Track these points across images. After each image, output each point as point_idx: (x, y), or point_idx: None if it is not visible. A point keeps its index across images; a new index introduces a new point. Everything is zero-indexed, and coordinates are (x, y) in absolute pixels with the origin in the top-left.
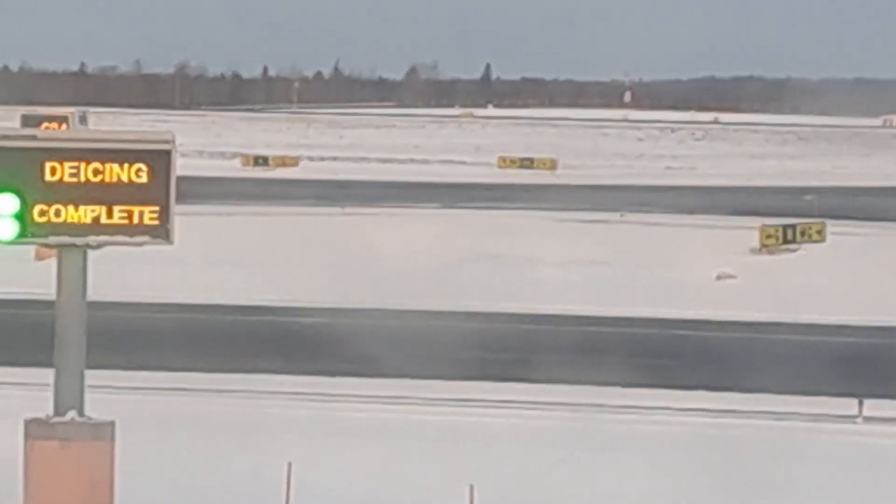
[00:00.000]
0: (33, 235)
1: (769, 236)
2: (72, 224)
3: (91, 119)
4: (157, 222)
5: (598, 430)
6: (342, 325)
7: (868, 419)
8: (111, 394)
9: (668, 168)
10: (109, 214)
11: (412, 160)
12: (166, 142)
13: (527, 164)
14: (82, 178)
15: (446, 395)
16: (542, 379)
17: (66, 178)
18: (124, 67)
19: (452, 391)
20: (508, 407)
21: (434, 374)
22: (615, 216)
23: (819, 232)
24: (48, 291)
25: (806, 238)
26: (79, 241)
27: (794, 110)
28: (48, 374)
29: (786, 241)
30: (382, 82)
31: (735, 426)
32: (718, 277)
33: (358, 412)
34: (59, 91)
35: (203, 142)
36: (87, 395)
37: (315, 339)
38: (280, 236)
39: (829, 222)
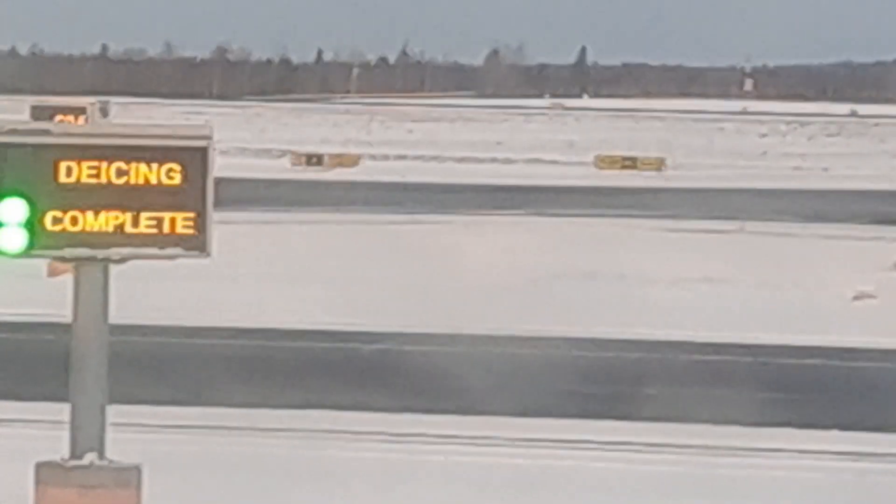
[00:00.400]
0: (45, 247)
1: None
2: (91, 234)
3: (113, 111)
4: (191, 232)
5: (714, 476)
6: (410, 353)
7: None
8: (137, 433)
9: (797, 169)
10: (135, 223)
11: (493, 159)
12: (203, 137)
13: (629, 163)
14: (103, 180)
15: (535, 436)
16: (648, 416)
17: (84, 180)
18: (153, 50)
19: (542, 431)
20: (609, 449)
21: (521, 411)
22: (734, 225)
23: None
24: (63, 313)
25: None
26: (99, 253)
27: None
28: (63, 410)
29: None
30: (458, 68)
31: (876, 472)
32: (856, 297)
33: (430, 455)
34: (75, 78)
35: (246, 137)
36: (109, 435)
37: (379, 369)
38: (336, 248)
39: None
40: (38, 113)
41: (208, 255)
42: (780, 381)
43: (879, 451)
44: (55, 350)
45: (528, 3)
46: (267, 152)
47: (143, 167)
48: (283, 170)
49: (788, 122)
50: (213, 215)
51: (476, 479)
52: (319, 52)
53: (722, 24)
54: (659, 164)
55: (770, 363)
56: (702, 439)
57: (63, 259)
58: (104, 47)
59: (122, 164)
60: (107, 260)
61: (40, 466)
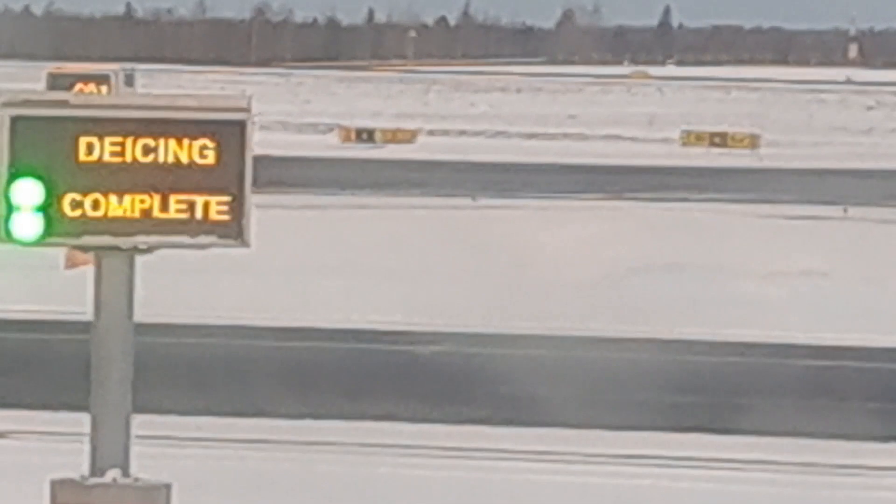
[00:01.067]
0: (63, 235)
1: None
2: (114, 220)
3: (139, 79)
4: (227, 217)
5: (814, 497)
6: (473, 356)
7: None
8: (167, 447)
9: None
10: (164, 207)
11: (566, 135)
12: (240, 110)
13: (718, 141)
14: (128, 159)
15: (612, 451)
16: (739, 429)
17: (107, 159)
18: (184, 10)
19: (620, 445)
20: (696, 466)
21: (595, 424)
22: (836, 211)
23: None
24: (82, 310)
25: None
26: (123, 242)
27: None
28: (82, 421)
29: None
30: (527, 31)
31: None
32: None
33: (495, 473)
34: (97, 42)
35: (289, 110)
36: (135, 449)
37: (438, 375)
38: (389, 237)
39: None
40: (56, 82)
41: (246, 244)
42: (891, 388)
43: None
44: (73, 352)
45: None
46: (312, 127)
47: (172, 144)
48: (329, 147)
49: None
50: (252, 199)
51: (544, 499)
52: (371, 13)
53: None
54: (752, 142)
55: (879, 369)
56: (798, 455)
57: (82, 248)
58: (129, 7)
59: (149, 141)
60: (132, 249)
61: (56, 484)
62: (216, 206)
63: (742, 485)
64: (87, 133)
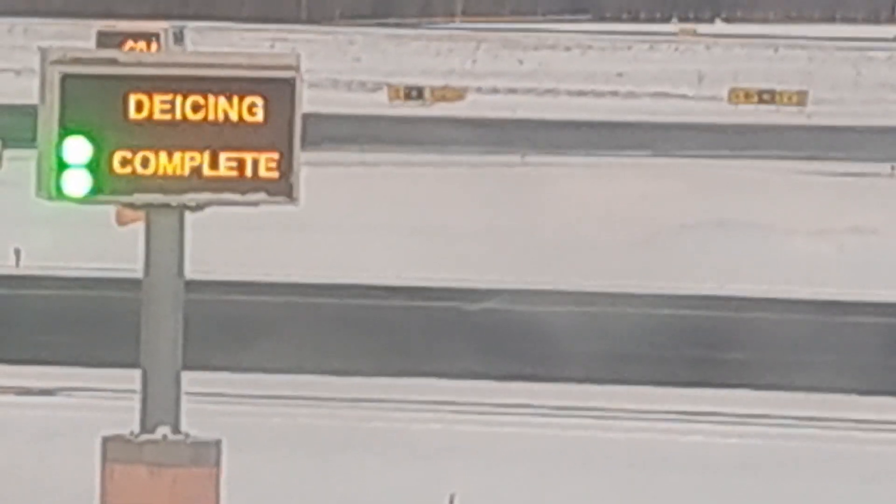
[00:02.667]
0: (113, 192)
1: None
2: (164, 177)
3: (189, 37)
4: (276, 175)
5: (862, 453)
6: (520, 313)
7: None
8: (216, 404)
9: None
10: (214, 164)
11: (614, 93)
12: (289, 68)
13: (767, 98)
14: (178, 116)
15: (657, 407)
16: (791, 386)
17: (157, 116)
18: None
19: (666, 401)
20: (755, 423)
21: (643, 380)
22: (885, 168)
23: None
24: (133, 267)
25: None
26: (173, 199)
27: None
28: (133, 378)
29: None
30: None
31: None
32: None
33: (536, 428)
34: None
35: (338, 68)
36: (185, 406)
37: (484, 331)
38: (439, 194)
39: None
40: (106, 40)
41: (295, 201)
42: None
43: None
44: (124, 309)
45: None
46: (361, 85)
47: (222, 101)
48: (378, 105)
49: None
50: (301, 156)
51: (583, 455)
52: None
53: None
54: (800, 99)
55: None
56: (839, 411)
57: (133, 206)
58: None
59: (198, 98)
60: (182, 206)
61: (107, 441)
62: (265, 164)
63: (794, 441)
64: (136, 91)
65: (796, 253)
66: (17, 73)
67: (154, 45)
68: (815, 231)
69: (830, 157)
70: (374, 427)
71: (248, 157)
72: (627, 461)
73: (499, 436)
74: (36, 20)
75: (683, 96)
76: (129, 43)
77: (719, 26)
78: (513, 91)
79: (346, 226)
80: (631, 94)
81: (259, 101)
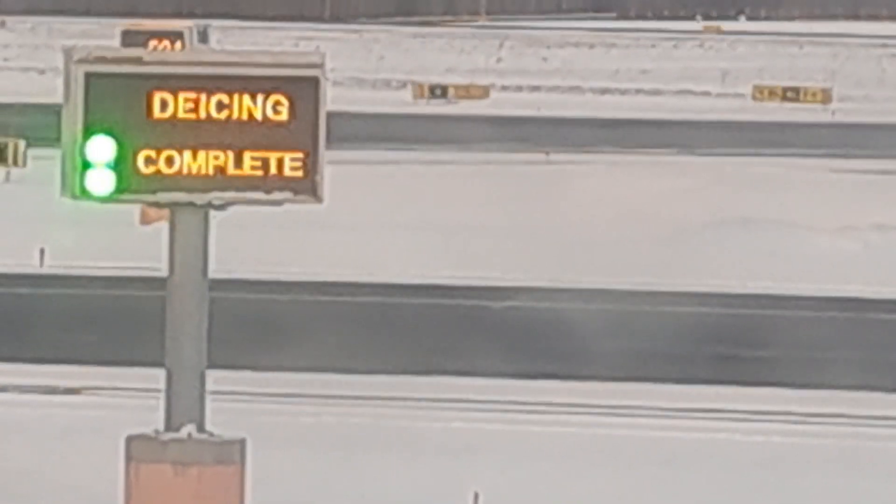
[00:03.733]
0: (137, 191)
1: None
2: (188, 176)
3: (214, 36)
4: (300, 174)
5: (882, 450)
6: (544, 311)
7: None
8: (240, 402)
9: None
10: (238, 163)
11: (639, 90)
12: (314, 66)
13: (791, 95)
14: (202, 115)
15: (684, 405)
16: (814, 384)
17: (181, 115)
18: None
19: (696, 399)
20: (772, 420)
21: (667, 377)
22: None
23: None
24: (157, 266)
25: None
26: (198, 198)
27: None
28: (157, 377)
29: None
30: None
31: None
32: None
33: (560, 427)
34: None
35: (362, 66)
36: (209, 405)
37: (508, 329)
38: (463, 192)
39: None
40: (130, 38)
41: (320, 200)
42: None
43: None
44: (148, 308)
45: None
46: (385, 83)
47: (246, 100)
48: (403, 103)
49: None
50: (326, 155)
51: (610, 453)
52: None
53: None
54: (824, 96)
55: None
56: (864, 408)
57: (157, 204)
58: None
59: (223, 97)
60: (206, 206)
61: (131, 440)
62: (290, 163)
63: (819, 438)
64: (160, 89)
65: (820, 250)
66: (41, 72)
67: (178, 44)
68: (839, 228)
69: (855, 154)
70: (397, 425)
71: (273, 156)
72: (652, 459)
73: (523, 434)
74: (60, 19)
75: (707, 94)
76: (154, 41)
77: (743, 24)
78: (537, 89)
79: (369, 224)
80: (655, 92)
81: (284, 99)
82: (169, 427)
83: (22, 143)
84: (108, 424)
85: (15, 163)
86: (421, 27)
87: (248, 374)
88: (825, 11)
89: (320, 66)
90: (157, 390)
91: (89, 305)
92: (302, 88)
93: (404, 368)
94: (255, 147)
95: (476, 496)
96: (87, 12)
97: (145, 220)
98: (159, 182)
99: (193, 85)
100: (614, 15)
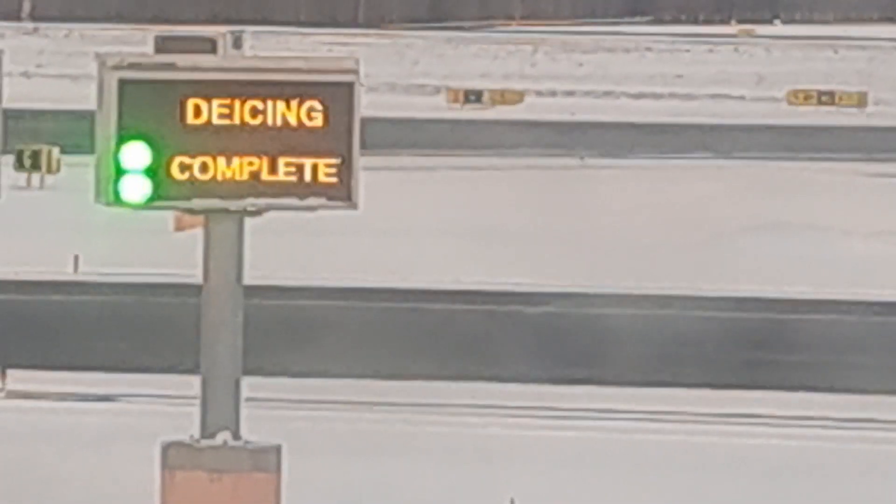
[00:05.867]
0: (171, 198)
1: None
2: (223, 182)
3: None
4: (335, 180)
5: None
6: (579, 316)
7: None
8: (276, 409)
9: None
10: (272, 169)
11: (673, 95)
12: (348, 72)
13: (826, 99)
14: (236, 121)
15: (719, 410)
16: (847, 388)
17: (215, 121)
18: None
19: (732, 404)
20: (807, 425)
21: (702, 383)
22: None
23: None
24: (191, 272)
25: None
26: (232, 205)
27: None
28: (192, 383)
29: None
30: None
31: None
32: None
33: (596, 432)
34: (204, 4)
35: (396, 72)
36: (245, 412)
37: (544, 335)
38: (497, 198)
39: None
40: (163, 45)
41: (354, 206)
42: None
43: None
44: (183, 315)
45: None
46: (420, 88)
47: (280, 106)
48: (437, 108)
49: None
50: (360, 161)
51: (648, 460)
52: None
53: None
54: (860, 100)
55: None
56: None
57: (191, 211)
58: None
59: (257, 103)
60: (241, 212)
61: (167, 447)
62: (324, 168)
63: (853, 443)
64: (194, 96)
65: (856, 254)
66: (75, 79)
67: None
68: (874, 232)
69: (890, 158)
70: (433, 431)
71: (307, 161)
72: (687, 464)
73: (558, 439)
74: (93, 25)
75: (742, 98)
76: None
77: (778, 28)
78: (571, 93)
79: (404, 230)
80: (690, 96)
81: (318, 105)
82: (204, 434)
83: (56, 150)
84: (143, 432)
85: (49, 170)
86: (455, 32)
87: (283, 380)
88: (860, 15)
89: (354, 71)
90: (193, 397)
91: (124, 312)
92: (336, 94)
93: (439, 374)
94: (290, 153)
95: (512, 502)
96: (120, 19)
97: (180, 227)
98: (194, 188)
99: (227, 91)
100: (649, 19)
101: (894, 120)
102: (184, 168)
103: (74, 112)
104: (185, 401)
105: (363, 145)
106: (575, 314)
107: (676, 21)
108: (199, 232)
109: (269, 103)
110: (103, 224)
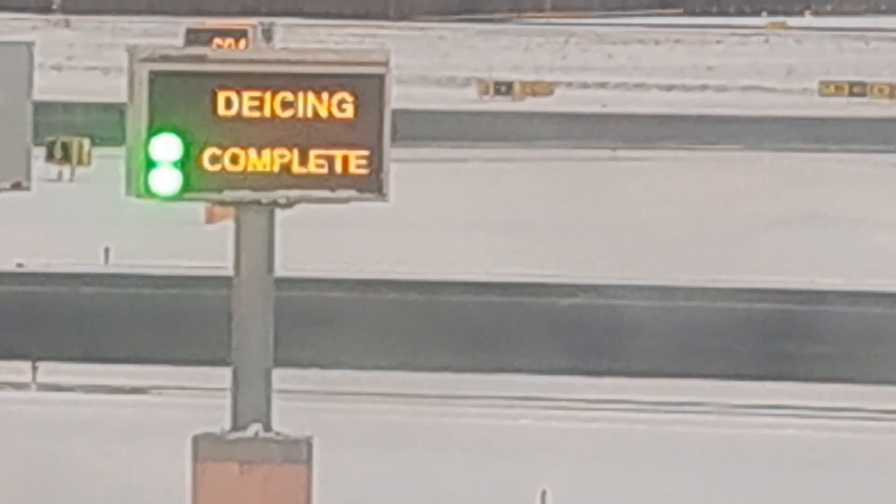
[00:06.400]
0: (202, 190)
1: None
2: (254, 174)
3: (278, 34)
4: (366, 171)
5: None
6: (610, 308)
7: None
8: (308, 401)
9: None
10: (303, 161)
11: (704, 87)
12: (379, 64)
13: (858, 90)
14: (267, 113)
15: (742, 401)
16: (870, 379)
17: (246, 113)
18: None
19: (751, 395)
20: (825, 417)
21: (729, 373)
22: None
23: None
24: (223, 265)
25: None
26: (263, 196)
27: None
28: (224, 376)
29: None
30: None
31: None
32: None
33: (626, 424)
34: None
35: (427, 64)
36: (276, 404)
37: (574, 327)
38: (528, 189)
39: None
40: (194, 37)
41: (385, 197)
42: None
43: None
44: (214, 307)
45: None
46: (450, 80)
47: (311, 98)
48: (468, 100)
49: None
50: (391, 153)
51: (680, 451)
52: None
53: None
54: (892, 91)
55: None
56: None
57: (222, 203)
58: None
59: (288, 95)
60: (272, 204)
61: (198, 439)
62: (355, 160)
63: (885, 434)
64: (225, 88)
65: (887, 246)
66: (106, 71)
67: (243, 42)
68: None
69: None
70: (464, 423)
71: (338, 153)
72: (718, 456)
73: (589, 431)
74: (123, 18)
75: (773, 90)
76: (218, 40)
77: (809, 19)
78: (602, 85)
79: (435, 222)
80: (721, 88)
81: (349, 97)
82: (235, 426)
83: (86, 143)
84: (174, 424)
85: (80, 162)
86: (486, 24)
87: (314, 372)
88: (892, 6)
89: (385, 63)
90: (224, 389)
91: (155, 305)
92: (367, 86)
93: (470, 366)
94: (321, 145)
95: (544, 494)
96: (150, 11)
97: (211, 219)
98: (224, 180)
99: (258, 83)
100: (680, 11)
101: None
102: (214, 160)
103: (105, 104)
104: (216, 393)
105: (394, 137)
106: (604, 306)
107: (707, 13)
108: (230, 224)
109: (300, 95)
110: (134, 216)
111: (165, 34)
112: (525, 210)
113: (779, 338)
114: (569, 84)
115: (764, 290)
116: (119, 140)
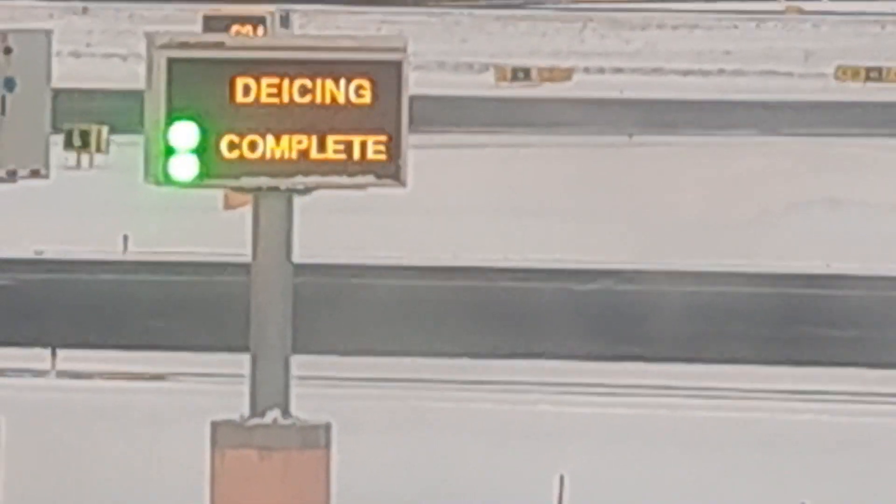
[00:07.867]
0: (221, 176)
1: None
2: (272, 161)
3: (296, 20)
4: (384, 157)
5: None
6: (628, 293)
7: None
8: (326, 387)
9: None
10: (321, 147)
11: (721, 71)
12: (397, 50)
13: (874, 75)
14: (285, 100)
15: (761, 385)
16: (890, 362)
17: (264, 100)
18: None
19: (771, 380)
20: (845, 401)
21: (749, 358)
22: None
23: None
24: (241, 251)
25: None
26: (281, 183)
27: None
28: (242, 362)
29: None
30: None
31: None
32: None
33: (645, 409)
34: None
35: (445, 49)
36: (294, 390)
37: (593, 312)
38: (545, 175)
39: None
40: (212, 24)
41: (403, 184)
42: None
43: None
44: (232, 294)
45: None
46: (468, 66)
47: (329, 84)
48: (485, 86)
49: None
50: (408, 139)
51: (696, 435)
52: None
53: None
54: None
55: None
56: None
57: (241, 189)
58: None
59: (305, 82)
60: (290, 190)
61: (217, 426)
62: (373, 146)
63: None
64: (243, 74)
65: None
66: (124, 58)
67: (260, 29)
68: None
69: None
70: (483, 408)
71: (356, 139)
72: (737, 440)
73: (608, 416)
74: (142, 5)
75: (790, 74)
76: (236, 27)
77: (826, 4)
78: (620, 71)
79: (453, 208)
80: (738, 73)
81: (367, 83)
82: (254, 412)
83: (105, 130)
84: (193, 410)
85: (98, 149)
86: (503, 10)
87: (333, 358)
88: None
89: (403, 49)
90: (242, 375)
91: (173, 291)
92: (385, 72)
93: (490, 352)
94: (339, 131)
95: (562, 479)
96: None
97: (229, 205)
98: (243, 167)
99: (276, 70)
100: None
101: None
102: (233, 147)
103: (123, 91)
104: (235, 379)
105: (412, 123)
106: (622, 291)
107: None
108: (248, 210)
109: (318, 82)
110: (152, 203)
111: (184, 21)
112: (542, 196)
113: (798, 322)
114: (586, 69)
115: (782, 274)
116: (138, 127)
